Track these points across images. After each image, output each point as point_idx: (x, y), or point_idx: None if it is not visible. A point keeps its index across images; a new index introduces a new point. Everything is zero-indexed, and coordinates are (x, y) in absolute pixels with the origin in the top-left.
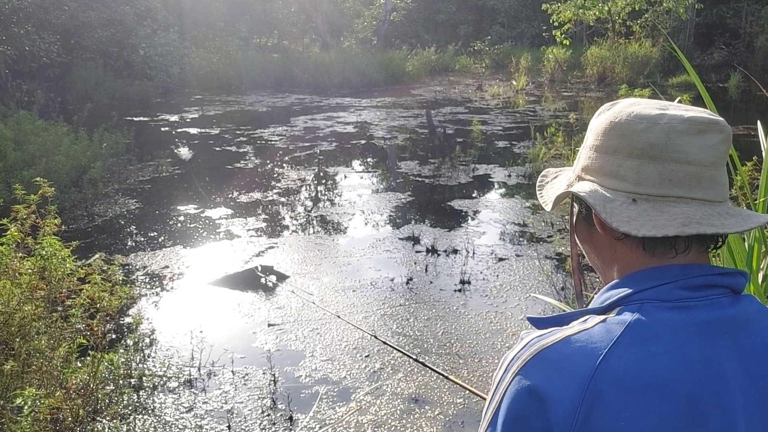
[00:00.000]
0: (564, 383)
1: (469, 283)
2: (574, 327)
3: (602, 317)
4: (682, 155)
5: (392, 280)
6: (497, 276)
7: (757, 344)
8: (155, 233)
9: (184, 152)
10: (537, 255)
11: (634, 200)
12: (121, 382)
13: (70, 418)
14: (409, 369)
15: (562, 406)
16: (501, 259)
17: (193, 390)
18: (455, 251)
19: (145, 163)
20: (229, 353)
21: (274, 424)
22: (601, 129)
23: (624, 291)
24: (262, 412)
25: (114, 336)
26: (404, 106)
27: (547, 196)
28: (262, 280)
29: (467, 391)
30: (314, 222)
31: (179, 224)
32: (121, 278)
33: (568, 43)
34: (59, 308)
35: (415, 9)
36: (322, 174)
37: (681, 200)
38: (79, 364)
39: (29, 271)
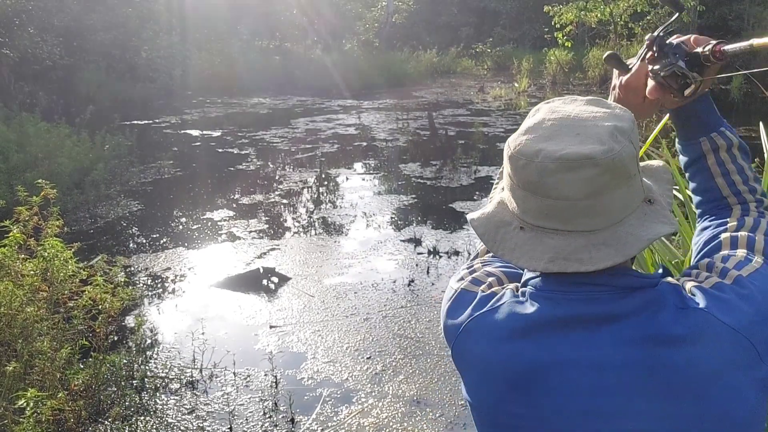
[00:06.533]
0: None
1: None
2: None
3: (512, 286)
4: (554, 191)
5: (394, 281)
6: None
7: (634, 337)
8: (157, 235)
9: (186, 154)
10: None
11: (521, 228)
12: (123, 383)
13: (72, 420)
14: (411, 371)
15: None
16: None
17: (195, 392)
18: (457, 253)
19: (147, 165)
20: (231, 355)
21: (276, 426)
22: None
23: (529, 275)
24: (264, 414)
25: (116, 338)
26: (406, 108)
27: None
28: (264, 282)
29: None
30: (316, 224)
31: (181, 226)
32: (123, 280)
33: (569, 45)
34: (62, 310)
35: (416, 11)
36: (323, 176)
37: (558, 233)
38: (82, 366)
39: (32, 272)
